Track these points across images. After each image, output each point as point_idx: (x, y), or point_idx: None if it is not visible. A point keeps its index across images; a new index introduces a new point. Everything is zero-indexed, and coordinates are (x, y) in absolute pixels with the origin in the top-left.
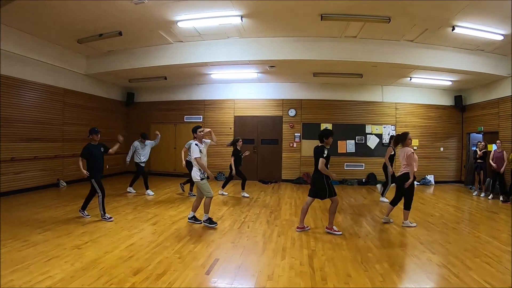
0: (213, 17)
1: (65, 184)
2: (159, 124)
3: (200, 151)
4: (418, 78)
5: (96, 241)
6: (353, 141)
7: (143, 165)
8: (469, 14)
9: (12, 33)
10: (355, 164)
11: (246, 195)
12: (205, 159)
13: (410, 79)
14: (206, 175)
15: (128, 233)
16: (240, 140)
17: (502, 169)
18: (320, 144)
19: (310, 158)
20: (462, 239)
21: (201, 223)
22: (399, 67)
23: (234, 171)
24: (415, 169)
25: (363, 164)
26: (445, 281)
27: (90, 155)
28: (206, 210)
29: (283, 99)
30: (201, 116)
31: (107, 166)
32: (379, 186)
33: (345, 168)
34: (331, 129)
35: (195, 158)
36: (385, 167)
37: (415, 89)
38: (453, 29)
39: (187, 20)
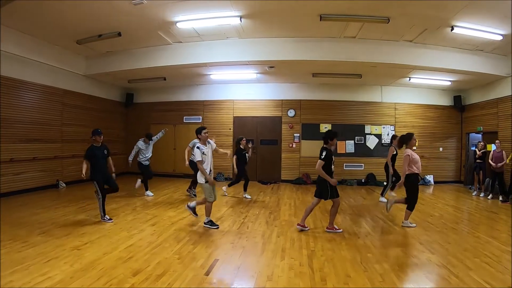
0: (212, 17)
1: (64, 185)
2: (159, 125)
3: (204, 153)
4: (417, 78)
5: (96, 242)
6: (352, 142)
7: (147, 163)
8: (468, 14)
9: (11, 33)
10: (355, 165)
11: (248, 196)
12: (211, 161)
13: (409, 79)
14: (211, 176)
15: (127, 234)
16: (244, 138)
17: (500, 165)
18: (324, 145)
19: (309, 158)
20: (461, 239)
21: (217, 227)
22: (398, 67)
23: (236, 170)
24: (419, 171)
25: (363, 164)
26: (445, 281)
27: (93, 156)
28: (207, 213)
29: (282, 100)
30: (200, 117)
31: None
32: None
33: (344, 168)
34: (331, 130)
35: (198, 161)
36: (386, 167)
37: (414, 89)
38: (452, 29)
39: (186, 20)
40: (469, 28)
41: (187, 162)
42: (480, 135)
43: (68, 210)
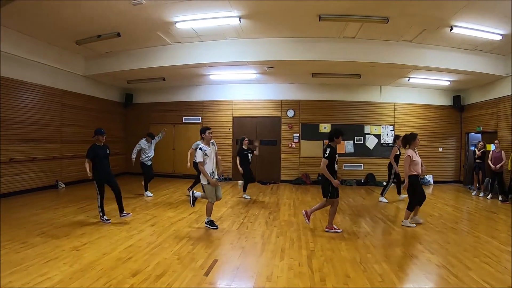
0: (211, 18)
1: (63, 185)
2: (158, 125)
3: (206, 154)
4: (417, 78)
5: (95, 243)
6: (351, 142)
7: (149, 163)
8: (467, 14)
9: (10, 34)
10: (354, 165)
11: (248, 197)
12: (214, 162)
13: (409, 80)
14: (215, 178)
15: (126, 234)
16: (246, 138)
17: (499, 165)
18: (329, 143)
19: (309, 158)
20: (461, 239)
21: (216, 228)
22: (397, 67)
23: (241, 170)
24: (417, 172)
25: (362, 164)
26: (444, 281)
27: (95, 156)
28: (208, 214)
29: (281, 100)
30: (200, 117)
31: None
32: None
33: (344, 168)
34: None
35: (198, 162)
36: (390, 167)
37: (414, 89)
38: (451, 29)
39: (185, 21)
40: (468, 28)
41: (188, 164)
42: (479, 135)
43: (67, 211)
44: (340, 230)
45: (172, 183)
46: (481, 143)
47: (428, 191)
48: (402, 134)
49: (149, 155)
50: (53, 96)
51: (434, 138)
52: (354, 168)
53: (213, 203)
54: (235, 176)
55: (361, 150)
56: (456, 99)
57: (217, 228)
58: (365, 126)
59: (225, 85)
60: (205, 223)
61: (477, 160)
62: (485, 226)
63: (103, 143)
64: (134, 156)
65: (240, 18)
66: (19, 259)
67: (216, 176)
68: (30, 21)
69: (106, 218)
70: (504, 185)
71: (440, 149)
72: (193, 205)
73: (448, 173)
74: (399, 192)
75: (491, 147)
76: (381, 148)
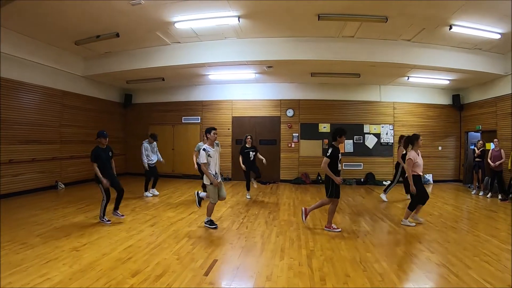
0: (210, 17)
1: (63, 186)
2: (157, 125)
3: (209, 155)
4: (416, 78)
5: (94, 243)
6: (351, 141)
7: (153, 165)
8: (466, 13)
9: (9, 35)
10: (354, 164)
11: (248, 196)
12: (217, 163)
13: (408, 79)
14: (219, 179)
15: (126, 234)
16: (248, 136)
17: (498, 163)
18: (332, 142)
19: (308, 158)
20: (461, 238)
21: (216, 227)
22: (396, 66)
23: (243, 167)
24: (419, 172)
25: (362, 163)
26: (444, 280)
27: (98, 158)
28: (208, 214)
29: (281, 100)
30: (199, 117)
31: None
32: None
33: (343, 168)
34: (339, 127)
35: (202, 163)
36: (397, 166)
37: (413, 89)
38: (450, 28)
39: (184, 21)
40: (467, 27)
41: (196, 166)
42: (479, 134)
43: (67, 211)
44: (340, 230)
45: (171, 183)
46: (480, 142)
47: (428, 190)
48: (405, 134)
49: (152, 158)
50: (53, 97)
51: (434, 137)
52: (353, 167)
53: (214, 204)
54: (235, 176)
55: (360, 150)
56: (456, 98)
57: (216, 228)
58: (364, 126)
59: (224, 85)
60: (205, 222)
61: (477, 159)
62: (485, 225)
63: (106, 145)
64: (145, 161)
65: (239, 18)
66: (19, 260)
67: (220, 178)
68: (29, 21)
69: (107, 219)
70: (503, 183)
71: (440, 148)
72: (199, 205)
73: (447, 172)
74: (407, 192)
75: (491, 145)
76: (381, 148)
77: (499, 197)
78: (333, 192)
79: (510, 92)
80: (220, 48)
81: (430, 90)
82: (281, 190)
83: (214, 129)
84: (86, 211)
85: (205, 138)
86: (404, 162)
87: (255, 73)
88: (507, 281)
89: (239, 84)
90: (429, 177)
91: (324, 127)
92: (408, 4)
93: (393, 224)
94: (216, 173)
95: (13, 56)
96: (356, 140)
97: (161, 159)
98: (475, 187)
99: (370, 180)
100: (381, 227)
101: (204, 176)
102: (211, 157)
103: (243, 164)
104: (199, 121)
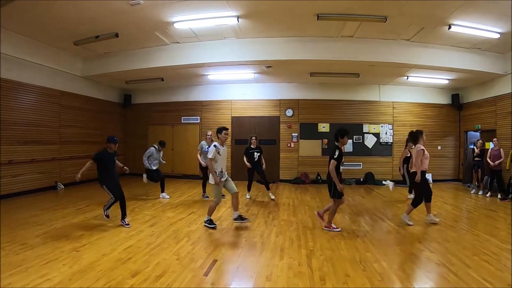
0: (210, 17)
1: (62, 186)
2: (157, 126)
3: (219, 153)
4: (415, 77)
5: (94, 244)
6: (350, 141)
7: (155, 168)
8: (465, 12)
9: (9, 35)
10: (353, 164)
11: (248, 196)
12: (224, 163)
13: (407, 78)
14: (223, 178)
15: (126, 235)
16: (253, 138)
17: (498, 162)
18: (336, 144)
19: (307, 158)
20: (460, 237)
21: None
22: (396, 66)
23: (248, 165)
24: (424, 168)
25: (361, 163)
26: (444, 280)
27: (101, 160)
28: (209, 213)
29: (280, 99)
30: (199, 117)
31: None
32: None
33: (343, 167)
34: (341, 127)
35: (209, 159)
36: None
37: (412, 88)
38: (450, 27)
39: (184, 21)
40: (466, 26)
41: (202, 165)
42: (478, 133)
43: (66, 212)
44: (339, 230)
45: (171, 183)
46: (480, 141)
47: None
48: (410, 131)
49: (154, 162)
50: (52, 97)
51: (433, 137)
52: (353, 167)
53: (217, 204)
54: (234, 175)
55: (360, 149)
56: (455, 97)
57: (215, 228)
58: (363, 125)
59: (223, 85)
60: (205, 222)
61: (476, 158)
62: (484, 224)
63: (114, 151)
64: (146, 163)
65: (238, 18)
66: (19, 261)
67: (225, 176)
68: (28, 22)
69: (107, 214)
70: (503, 183)
71: (439, 147)
72: (245, 219)
73: (447, 171)
74: (410, 191)
75: (490, 145)
76: (380, 147)
77: (499, 196)
78: (335, 193)
79: (510, 92)
80: (219, 48)
81: (429, 89)
82: (281, 190)
83: (226, 129)
84: (86, 211)
85: (217, 138)
86: (407, 164)
87: (254, 73)
88: (507, 281)
89: (238, 84)
90: (428, 176)
91: (324, 127)
92: (407, 4)
93: (393, 224)
94: (221, 171)
95: (12, 57)
96: (355, 140)
97: (163, 161)
98: (474, 187)
99: (369, 180)
100: (381, 227)
101: (210, 176)
102: (220, 155)
103: (248, 162)
104: (199, 121)
